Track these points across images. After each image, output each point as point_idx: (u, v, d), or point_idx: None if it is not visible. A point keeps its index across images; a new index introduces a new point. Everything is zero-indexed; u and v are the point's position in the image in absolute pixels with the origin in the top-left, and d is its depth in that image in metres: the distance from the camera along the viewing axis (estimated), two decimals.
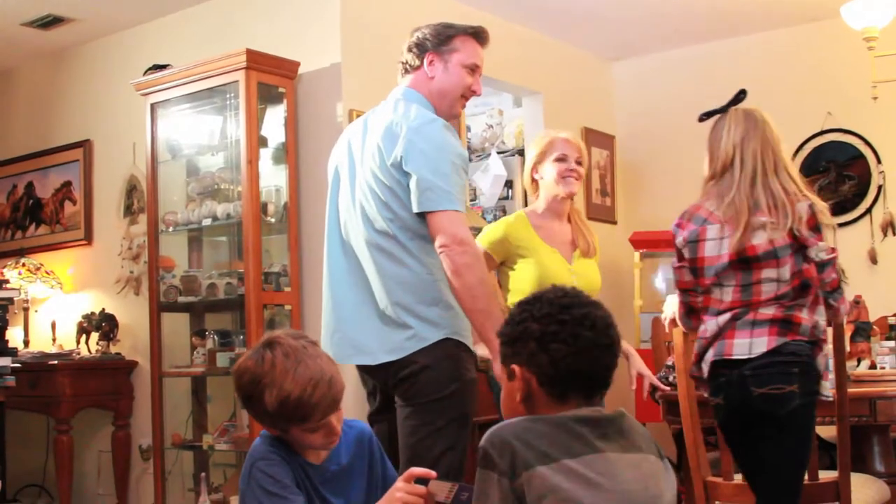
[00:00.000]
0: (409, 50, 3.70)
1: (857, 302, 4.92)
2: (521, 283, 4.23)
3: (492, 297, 3.44)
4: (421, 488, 2.58)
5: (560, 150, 4.35)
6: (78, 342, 6.76)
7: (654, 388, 4.45)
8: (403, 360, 3.49)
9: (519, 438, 2.18)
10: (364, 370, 3.71)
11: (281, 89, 5.85)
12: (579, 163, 4.37)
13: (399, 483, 2.60)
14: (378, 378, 3.65)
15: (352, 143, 3.74)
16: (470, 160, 7.33)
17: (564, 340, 2.25)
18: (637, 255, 7.26)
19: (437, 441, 3.45)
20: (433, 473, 2.59)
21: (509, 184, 7.37)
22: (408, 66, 3.71)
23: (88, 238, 7.14)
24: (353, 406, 4.34)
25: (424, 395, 3.48)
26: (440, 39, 3.66)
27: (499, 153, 7.43)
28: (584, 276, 4.30)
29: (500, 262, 4.33)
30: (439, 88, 3.66)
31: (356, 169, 3.67)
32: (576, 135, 4.55)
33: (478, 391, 3.64)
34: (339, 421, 2.75)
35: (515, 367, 2.32)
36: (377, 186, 3.55)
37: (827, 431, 4.50)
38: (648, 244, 7.26)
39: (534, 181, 4.43)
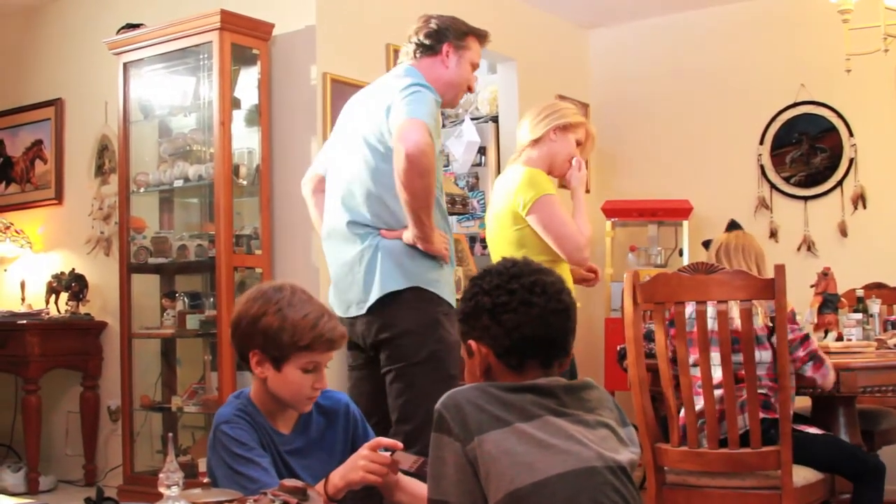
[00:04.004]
0: (428, 35, 3.88)
1: (826, 274, 4.94)
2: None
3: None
4: (385, 457, 2.60)
5: (583, 136, 4.46)
6: (47, 302, 6.74)
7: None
8: (383, 320, 3.65)
9: (472, 403, 2.19)
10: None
11: (255, 51, 5.81)
12: None
13: (364, 451, 2.62)
14: (356, 333, 3.78)
15: (352, 110, 3.97)
16: (444, 126, 7.32)
17: (515, 309, 2.26)
18: (609, 223, 7.28)
19: (423, 403, 3.54)
20: (399, 445, 2.63)
21: (482, 150, 7.36)
22: (423, 48, 3.88)
23: (59, 197, 7.10)
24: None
25: (406, 358, 3.62)
26: (457, 34, 3.90)
27: (472, 119, 7.41)
28: None
29: None
30: (450, 79, 3.88)
31: (351, 136, 3.85)
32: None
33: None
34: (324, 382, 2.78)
35: (472, 343, 2.33)
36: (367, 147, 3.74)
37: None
38: (620, 213, 7.28)
39: (541, 139, 4.43)
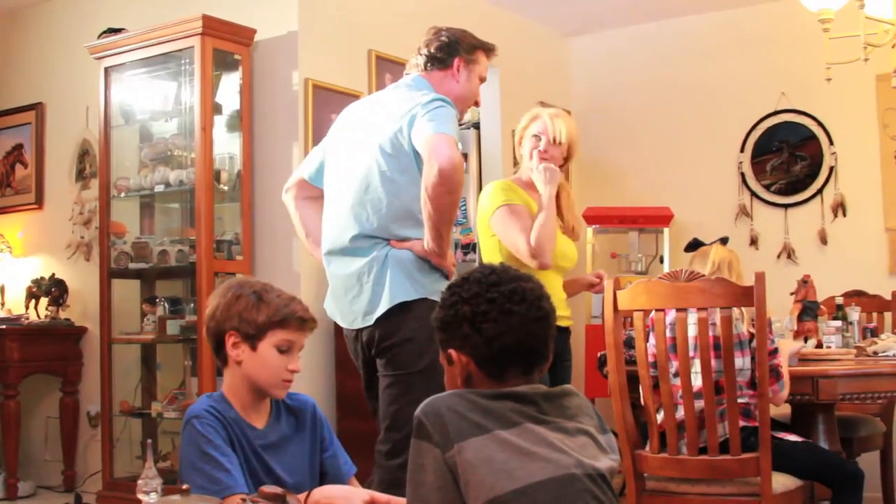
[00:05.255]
0: (439, 49, 3.84)
1: (806, 281, 4.96)
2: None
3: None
4: None
5: (540, 129, 4.40)
6: (27, 307, 6.71)
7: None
8: (386, 329, 3.60)
9: (452, 410, 2.18)
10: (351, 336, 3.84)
11: (237, 56, 5.80)
12: (559, 143, 4.40)
13: (367, 496, 2.66)
14: (362, 342, 3.74)
15: (355, 119, 3.88)
16: None
17: (495, 319, 2.25)
18: (590, 230, 7.29)
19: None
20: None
21: (464, 157, 7.35)
22: (433, 61, 3.84)
23: (39, 202, 7.07)
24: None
25: (405, 366, 3.58)
26: (467, 48, 3.87)
27: None
28: (560, 249, 4.35)
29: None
30: (459, 93, 3.84)
31: (360, 145, 3.75)
32: (560, 114, 4.50)
33: None
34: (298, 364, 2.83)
35: (452, 352, 2.31)
36: (380, 155, 3.66)
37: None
38: (601, 220, 7.28)
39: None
